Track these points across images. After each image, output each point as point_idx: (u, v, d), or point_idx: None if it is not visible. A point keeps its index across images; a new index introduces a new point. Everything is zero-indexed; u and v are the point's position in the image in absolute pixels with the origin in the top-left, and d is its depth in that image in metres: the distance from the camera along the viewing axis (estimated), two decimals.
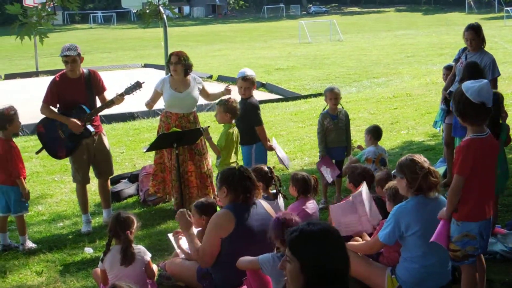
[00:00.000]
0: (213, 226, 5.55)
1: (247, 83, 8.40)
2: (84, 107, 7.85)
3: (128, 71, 28.22)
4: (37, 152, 8.54)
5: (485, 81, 5.03)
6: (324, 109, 8.58)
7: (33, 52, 30.74)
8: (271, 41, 47.05)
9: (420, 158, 5.52)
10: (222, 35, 57.09)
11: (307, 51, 36.25)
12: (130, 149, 12.62)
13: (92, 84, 8.04)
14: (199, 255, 5.64)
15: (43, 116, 8.04)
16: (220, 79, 23.61)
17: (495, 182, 5.28)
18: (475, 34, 8.67)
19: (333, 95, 8.48)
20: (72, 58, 7.82)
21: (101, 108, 8.05)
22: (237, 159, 8.09)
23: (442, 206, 5.53)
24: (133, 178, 9.76)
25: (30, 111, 17.14)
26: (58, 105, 7.99)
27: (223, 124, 7.94)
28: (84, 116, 7.80)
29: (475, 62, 8.06)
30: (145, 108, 8.77)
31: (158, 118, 9.16)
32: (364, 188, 6.05)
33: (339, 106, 8.54)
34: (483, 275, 5.51)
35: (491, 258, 6.35)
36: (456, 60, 9.11)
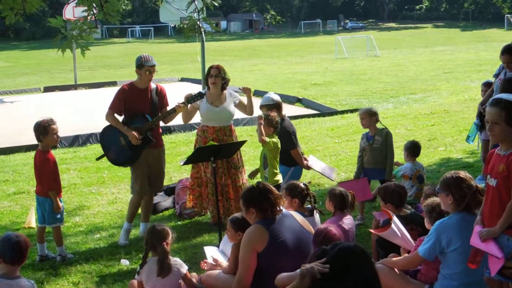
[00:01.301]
0: (247, 242, 5.50)
1: (272, 111, 8.48)
2: (147, 116, 8.00)
3: (165, 85, 28.34)
4: (98, 159, 8.66)
5: None
6: None
7: (71, 65, 31.19)
8: (308, 56, 47.05)
9: (466, 176, 5.49)
10: (259, 50, 57.27)
11: (343, 67, 36.17)
12: (166, 162, 12.60)
13: (158, 97, 8.23)
14: (240, 279, 5.58)
15: (107, 123, 8.21)
16: (257, 93, 23.56)
17: None
18: (511, 57, 8.59)
19: (360, 116, 8.50)
20: (155, 68, 8.13)
21: (163, 117, 8.20)
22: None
23: None
24: (169, 191, 9.81)
25: (69, 123, 17.46)
26: (122, 114, 8.18)
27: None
28: (146, 124, 7.95)
29: None
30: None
31: (195, 132, 9.23)
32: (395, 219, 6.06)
33: (380, 126, 8.48)
34: None
35: None
36: (496, 76, 9.04)
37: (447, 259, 5.39)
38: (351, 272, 3.29)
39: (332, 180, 9.16)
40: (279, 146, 8.08)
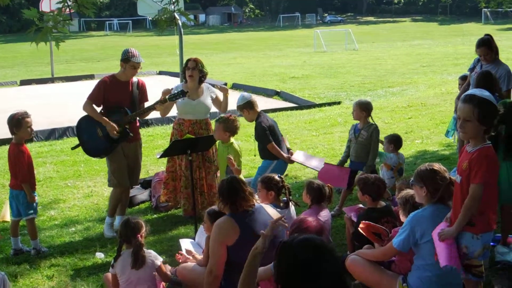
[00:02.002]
0: (217, 235, 5.48)
1: (241, 112, 8.55)
2: (126, 109, 7.96)
3: (144, 78, 28.17)
4: (73, 148, 8.60)
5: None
6: None
7: (48, 59, 30.91)
8: (286, 50, 47.08)
9: (441, 168, 5.52)
10: (237, 43, 57.22)
11: (322, 60, 36.24)
12: (143, 155, 12.59)
13: (138, 91, 8.21)
14: (211, 269, 5.57)
15: (83, 114, 8.15)
16: (235, 87, 23.59)
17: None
18: (487, 49, 8.65)
19: (353, 107, 8.54)
20: (140, 65, 8.12)
21: (143, 112, 8.17)
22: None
23: None
24: (145, 184, 9.78)
25: (46, 117, 17.32)
26: (101, 106, 8.14)
27: (221, 142, 7.82)
28: (125, 118, 7.91)
29: (488, 72, 8.03)
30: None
31: (171, 125, 9.19)
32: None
33: (370, 121, 8.50)
34: None
35: (504, 267, 6.32)
36: (471, 70, 9.09)
37: (421, 251, 5.42)
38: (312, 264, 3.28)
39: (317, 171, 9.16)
40: (240, 154, 8.03)
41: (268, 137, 8.31)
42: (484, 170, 4.76)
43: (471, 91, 5.00)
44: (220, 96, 8.65)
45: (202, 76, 8.47)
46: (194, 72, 8.38)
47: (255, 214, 5.54)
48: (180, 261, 6.37)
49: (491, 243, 6.76)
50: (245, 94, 8.71)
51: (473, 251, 4.91)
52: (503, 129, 6.67)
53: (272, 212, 5.75)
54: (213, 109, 8.72)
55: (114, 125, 7.86)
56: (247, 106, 8.44)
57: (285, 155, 8.42)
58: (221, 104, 8.65)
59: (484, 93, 4.84)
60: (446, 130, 10.19)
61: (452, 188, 5.52)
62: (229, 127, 7.79)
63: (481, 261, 4.98)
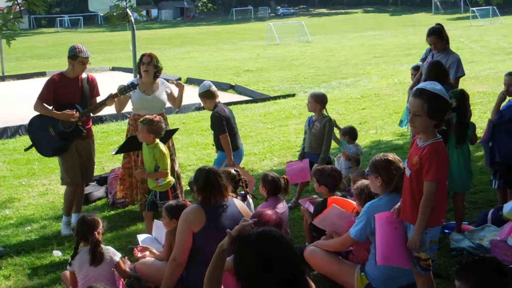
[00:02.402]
0: (184, 221, 5.57)
1: (201, 100, 8.60)
2: (78, 106, 7.88)
3: (96, 74, 27.93)
4: (26, 149, 8.49)
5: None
6: None
7: None
8: (240, 43, 47.05)
9: (395, 158, 5.60)
10: (191, 38, 56.96)
11: (275, 53, 36.31)
12: (98, 152, 12.52)
13: (89, 87, 8.13)
14: (175, 256, 5.61)
15: (35, 114, 8.03)
16: (189, 81, 23.50)
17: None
18: (437, 38, 8.77)
19: (308, 99, 8.57)
20: (89, 60, 8.03)
21: (95, 108, 8.09)
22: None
23: None
24: (101, 181, 9.71)
25: None
26: (52, 105, 8.01)
27: (145, 143, 7.51)
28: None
29: (439, 61, 8.15)
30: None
31: (127, 121, 9.13)
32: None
33: (324, 113, 8.52)
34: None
35: (458, 254, 6.45)
36: (423, 60, 9.22)
37: None
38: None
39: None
40: (167, 155, 7.64)
41: (222, 127, 8.30)
42: (436, 167, 4.73)
43: (422, 84, 4.99)
44: (175, 91, 8.61)
45: (157, 71, 8.44)
46: (149, 67, 8.34)
47: (226, 208, 5.60)
48: (139, 256, 6.37)
49: (446, 231, 6.93)
50: (206, 83, 8.69)
51: (421, 245, 4.89)
52: (453, 117, 6.79)
53: (241, 205, 5.80)
54: (168, 104, 8.71)
55: (68, 110, 7.80)
56: (205, 95, 8.45)
57: (232, 155, 8.35)
58: (175, 100, 8.64)
59: (436, 87, 4.82)
60: (400, 120, 10.31)
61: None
62: (154, 128, 7.46)
63: (428, 255, 4.96)
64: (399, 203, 5.14)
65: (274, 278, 3.23)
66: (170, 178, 7.48)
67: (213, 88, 8.58)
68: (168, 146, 8.43)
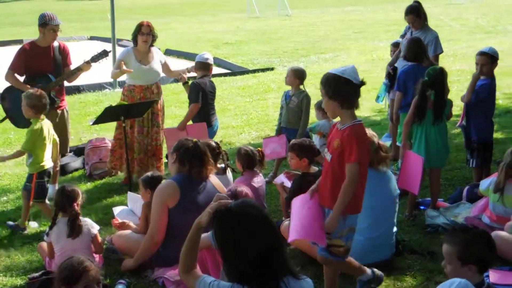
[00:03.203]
0: (158, 196, 5.61)
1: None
2: (50, 76, 7.80)
3: (74, 43, 27.70)
4: (0, 121, 8.41)
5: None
6: None
7: None
8: (220, 15, 46.71)
9: (370, 133, 5.62)
10: (170, 8, 56.41)
11: (255, 26, 36.11)
12: (75, 122, 12.44)
13: (61, 56, 8.06)
14: (152, 234, 5.64)
15: (8, 85, 7.94)
16: (168, 52, 23.31)
17: None
18: (414, 16, 8.78)
19: (287, 73, 8.57)
20: (59, 27, 7.96)
21: (68, 75, 8.04)
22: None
23: (390, 180, 5.68)
24: (78, 151, 9.65)
25: None
26: (24, 74, 7.96)
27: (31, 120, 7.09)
28: (50, 84, 7.75)
29: (418, 38, 8.19)
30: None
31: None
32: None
33: (302, 88, 8.52)
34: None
35: (433, 230, 6.52)
36: (403, 36, 9.25)
37: None
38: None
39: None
40: (47, 134, 7.09)
41: (196, 97, 8.29)
42: (357, 149, 4.60)
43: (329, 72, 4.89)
44: (169, 64, 8.73)
45: (153, 40, 8.43)
46: (148, 37, 8.30)
47: (202, 184, 5.61)
48: (117, 226, 6.38)
49: (421, 207, 7.01)
50: (205, 54, 8.72)
51: (337, 231, 4.77)
52: (431, 93, 6.84)
53: (216, 182, 5.82)
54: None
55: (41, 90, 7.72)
56: (197, 65, 8.52)
57: (185, 125, 8.42)
58: (172, 72, 8.77)
59: (341, 69, 4.76)
60: (377, 96, 10.34)
61: (381, 153, 5.67)
62: (34, 104, 6.97)
63: (343, 242, 4.83)
64: (314, 185, 5.01)
65: (257, 244, 3.25)
66: (44, 163, 7.02)
67: (210, 61, 8.60)
68: (160, 116, 8.42)
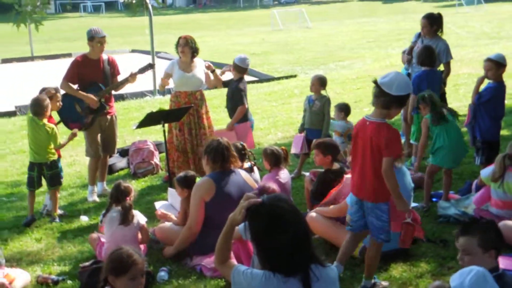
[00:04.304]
0: (196, 191, 5.73)
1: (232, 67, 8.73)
2: (100, 85, 7.88)
3: (117, 55, 27.74)
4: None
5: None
6: None
7: (27, 39, 30.13)
8: (246, 29, 46.73)
9: None
10: (202, 24, 56.55)
11: (278, 38, 36.08)
12: (120, 126, 12.38)
13: (109, 67, 8.13)
14: (190, 225, 5.70)
15: (63, 92, 8.05)
16: None
17: None
18: (427, 22, 8.74)
19: (311, 81, 8.60)
20: (105, 39, 8.02)
21: (116, 85, 8.15)
22: None
23: (405, 174, 5.64)
24: (123, 153, 9.73)
25: (29, 93, 16.99)
26: (77, 84, 8.04)
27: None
28: (100, 92, 7.83)
29: (430, 46, 8.17)
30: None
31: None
32: None
33: (324, 93, 8.52)
34: None
35: (445, 220, 6.47)
36: (414, 43, 9.15)
37: None
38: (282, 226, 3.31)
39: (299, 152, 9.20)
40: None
41: (242, 99, 8.41)
42: (396, 144, 4.86)
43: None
44: (210, 74, 8.69)
45: (193, 51, 8.45)
46: (185, 48, 8.35)
47: (232, 176, 5.68)
48: (160, 218, 6.43)
49: (434, 199, 6.96)
50: (243, 56, 8.77)
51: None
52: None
53: (246, 176, 5.87)
54: None
55: (93, 96, 7.79)
56: (236, 67, 8.62)
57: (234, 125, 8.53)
58: (210, 82, 8.74)
59: (383, 80, 4.98)
60: None
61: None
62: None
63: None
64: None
65: (288, 234, 3.24)
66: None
67: (247, 65, 8.68)
68: (204, 120, 8.46)
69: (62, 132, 11.69)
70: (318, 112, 8.41)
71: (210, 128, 8.58)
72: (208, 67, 8.60)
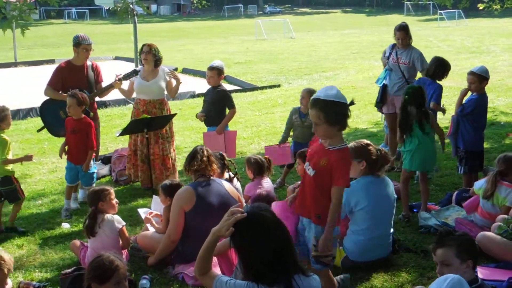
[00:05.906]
0: (176, 201, 5.69)
1: (211, 73, 8.41)
2: (85, 91, 7.84)
3: (101, 62, 27.63)
4: (39, 130, 8.49)
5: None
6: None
7: (11, 44, 30.01)
8: (230, 38, 46.85)
9: (369, 143, 5.68)
10: (187, 32, 56.60)
11: (263, 47, 36.20)
12: (102, 133, 12.38)
13: (93, 74, 8.12)
14: (169, 234, 5.69)
15: (46, 97, 8.02)
16: (185, 71, 23.39)
17: None
18: (405, 33, 8.84)
19: (301, 95, 8.41)
20: (91, 47, 8.03)
21: (101, 91, 8.16)
22: None
23: (388, 185, 5.68)
24: (106, 160, 9.67)
25: (10, 98, 16.90)
26: (60, 90, 8.02)
27: None
28: None
29: (444, 60, 8.59)
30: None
31: (129, 105, 9.11)
32: None
33: None
34: None
35: (426, 231, 6.50)
36: (387, 57, 9.17)
37: (355, 217, 5.55)
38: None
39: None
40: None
41: (232, 102, 8.40)
42: (346, 174, 4.38)
43: (316, 94, 4.46)
44: (173, 82, 8.56)
45: (157, 60, 8.34)
46: (148, 55, 8.27)
47: (213, 185, 5.66)
48: (145, 221, 6.40)
49: (415, 210, 6.99)
50: (217, 61, 8.70)
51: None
52: (413, 109, 6.85)
53: (228, 186, 5.85)
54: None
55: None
56: (218, 72, 8.43)
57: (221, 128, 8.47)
58: (171, 90, 8.54)
59: (330, 92, 4.36)
60: (377, 78, 10.05)
61: (388, 158, 5.72)
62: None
63: (334, 249, 4.64)
64: (293, 195, 4.91)
65: (271, 244, 3.24)
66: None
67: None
68: (165, 130, 8.39)
69: (45, 138, 11.69)
70: (311, 126, 8.34)
71: (168, 139, 8.47)
72: (171, 74, 8.51)
